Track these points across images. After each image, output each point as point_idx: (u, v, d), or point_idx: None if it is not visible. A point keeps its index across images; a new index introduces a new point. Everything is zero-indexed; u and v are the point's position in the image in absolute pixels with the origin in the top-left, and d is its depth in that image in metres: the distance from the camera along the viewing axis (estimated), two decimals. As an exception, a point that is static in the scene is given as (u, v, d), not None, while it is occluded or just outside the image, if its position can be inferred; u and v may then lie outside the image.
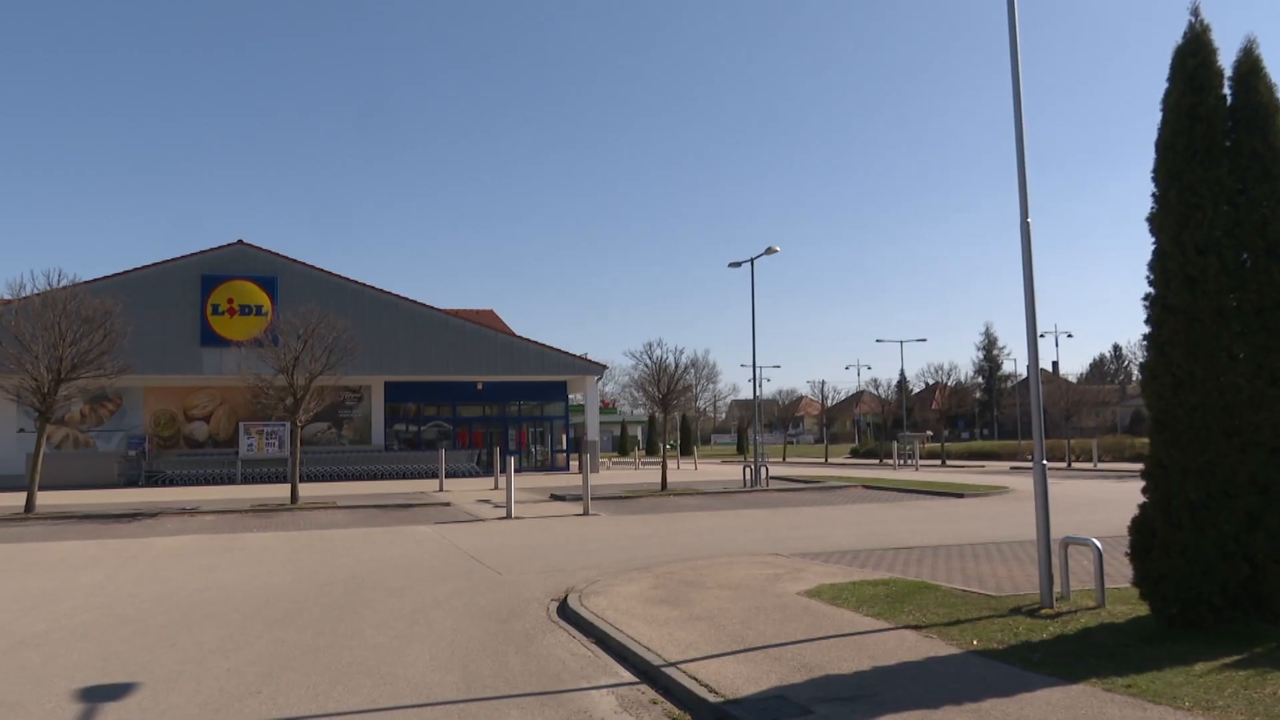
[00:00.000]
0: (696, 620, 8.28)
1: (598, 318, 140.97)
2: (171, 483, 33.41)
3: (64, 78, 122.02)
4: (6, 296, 22.81)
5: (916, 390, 77.06)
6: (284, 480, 30.34)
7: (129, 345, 23.71)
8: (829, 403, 74.26)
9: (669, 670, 6.59)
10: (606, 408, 67.49)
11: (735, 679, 6.25)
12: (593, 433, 38.97)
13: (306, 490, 26.18)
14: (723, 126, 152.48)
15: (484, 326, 38.61)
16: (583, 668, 7.10)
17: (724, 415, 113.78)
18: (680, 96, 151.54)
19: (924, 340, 71.70)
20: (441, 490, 28.20)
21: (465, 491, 27.73)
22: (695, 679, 6.30)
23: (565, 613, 9.16)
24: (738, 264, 33.06)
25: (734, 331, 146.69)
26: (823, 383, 76.92)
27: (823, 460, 58.14)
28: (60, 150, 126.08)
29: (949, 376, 62.02)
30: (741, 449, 78.97)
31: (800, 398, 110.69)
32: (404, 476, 35.62)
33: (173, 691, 6.51)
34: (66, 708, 6.18)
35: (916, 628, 7.70)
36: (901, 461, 45.95)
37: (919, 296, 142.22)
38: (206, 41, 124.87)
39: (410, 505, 22.94)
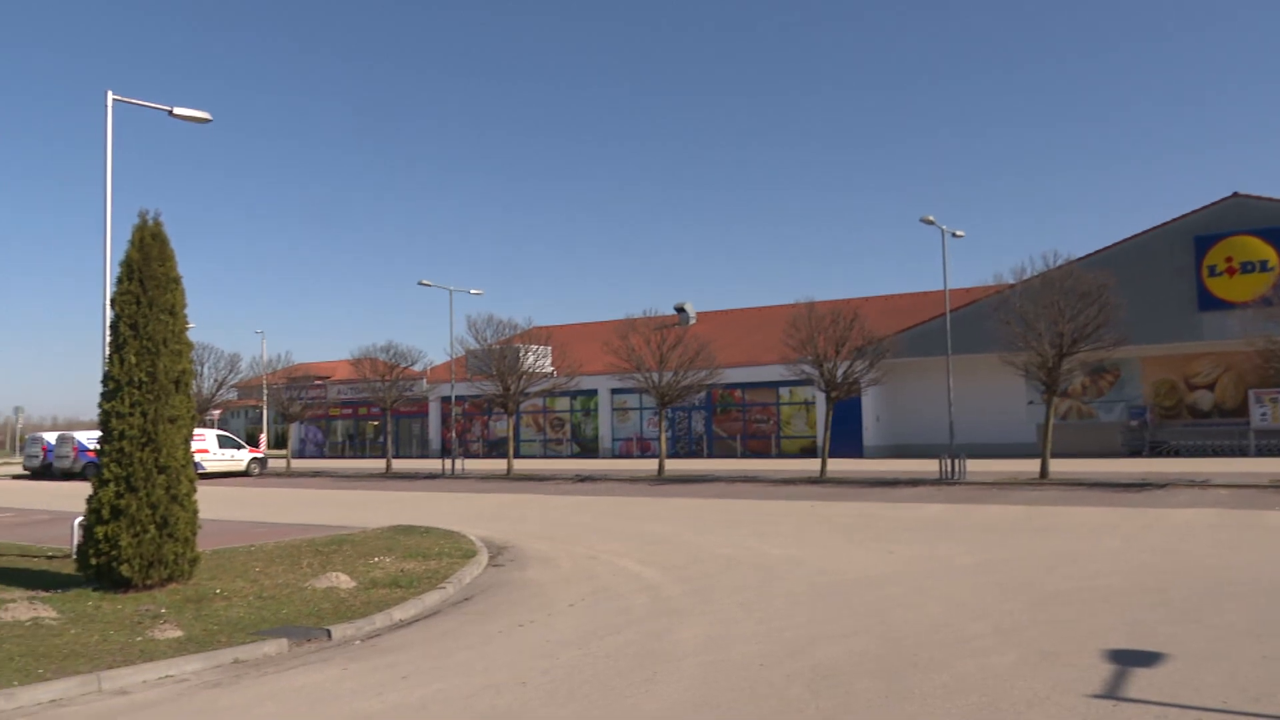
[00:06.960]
0: None
1: None
2: (1176, 453, 32.55)
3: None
4: (1011, 281, 25.16)
5: None
6: (1307, 454, 26.89)
7: (1123, 317, 23.96)
8: None
9: None
10: None
11: None
12: None
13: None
14: None
15: None
16: None
17: None
18: None
19: None
20: None
21: None
22: None
23: None
24: None
25: None
26: None
27: None
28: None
29: None
30: None
31: None
32: None
33: (1204, 670, 6.24)
34: (1098, 665, 6.42)
35: None
36: None
37: None
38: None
39: None
